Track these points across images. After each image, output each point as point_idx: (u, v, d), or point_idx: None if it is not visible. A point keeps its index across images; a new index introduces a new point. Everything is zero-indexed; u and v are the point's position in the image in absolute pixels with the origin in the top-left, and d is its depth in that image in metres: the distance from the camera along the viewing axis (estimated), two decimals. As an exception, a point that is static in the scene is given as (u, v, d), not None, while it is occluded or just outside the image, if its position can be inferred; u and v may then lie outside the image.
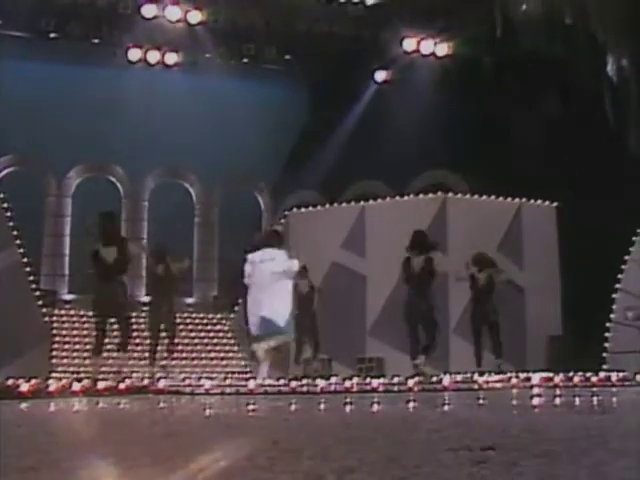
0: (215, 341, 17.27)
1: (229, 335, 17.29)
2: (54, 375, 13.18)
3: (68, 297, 17.58)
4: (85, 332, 15.41)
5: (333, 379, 10.64)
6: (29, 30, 17.14)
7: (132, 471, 2.73)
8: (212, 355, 16.89)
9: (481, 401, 6.65)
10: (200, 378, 12.59)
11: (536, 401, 6.41)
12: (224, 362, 16.78)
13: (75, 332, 15.65)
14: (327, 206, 17.16)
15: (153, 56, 18.43)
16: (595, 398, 6.64)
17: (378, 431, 3.71)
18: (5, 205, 15.10)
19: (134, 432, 4.17)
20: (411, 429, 3.67)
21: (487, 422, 4.10)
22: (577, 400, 6.54)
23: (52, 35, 17.20)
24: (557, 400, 6.58)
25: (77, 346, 15.49)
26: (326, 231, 16.18)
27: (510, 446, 2.88)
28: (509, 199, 16.37)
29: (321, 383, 9.82)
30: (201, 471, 2.70)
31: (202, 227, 19.39)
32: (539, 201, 16.53)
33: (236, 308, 17.00)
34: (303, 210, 17.22)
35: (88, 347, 15.04)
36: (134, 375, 13.12)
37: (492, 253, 15.82)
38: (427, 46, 18.76)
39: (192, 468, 2.72)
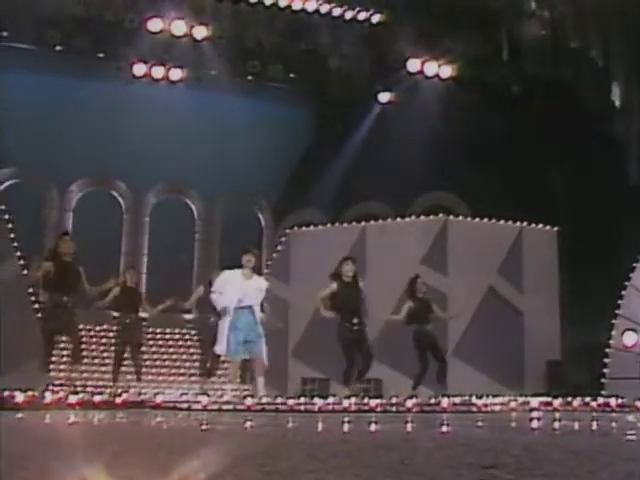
0: (213, 357, 17.16)
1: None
2: (52, 388, 13.11)
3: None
4: (83, 345, 15.38)
5: (331, 399, 10.61)
6: (35, 43, 17.17)
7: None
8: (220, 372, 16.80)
9: (480, 423, 6.61)
10: (197, 394, 12.61)
11: (535, 424, 6.37)
12: (222, 379, 16.69)
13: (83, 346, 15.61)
14: (328, 226, 17.15)
15: (158, 71, 18.46)
16: (595, 422, 6.59)
17: (378, 448, 3.68)
18: (6, 217, 15.09)
19: (129, 444, 4.13)
20: (411, 447, 3.63)
21: (488, 442, 4.07)
22: (576, 424, 6.49)
23: (58, 48, 17.24)
24: (556, 424, 6.53)
25: (85, 360, 15.43)
26: (327, 250, 16.14)
27: (512, 465, 2.85)
28: (510, 222, 16.35)
29: (319, 402, 9.79)
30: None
31: (203, 244, 19.35)
32: (540, 225, 16.51)
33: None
34: (304, 229, 17.21)
35: (86, 360, 15.10)
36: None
37: (492, 276, 15.83)
38: (431, 67, 18.81)
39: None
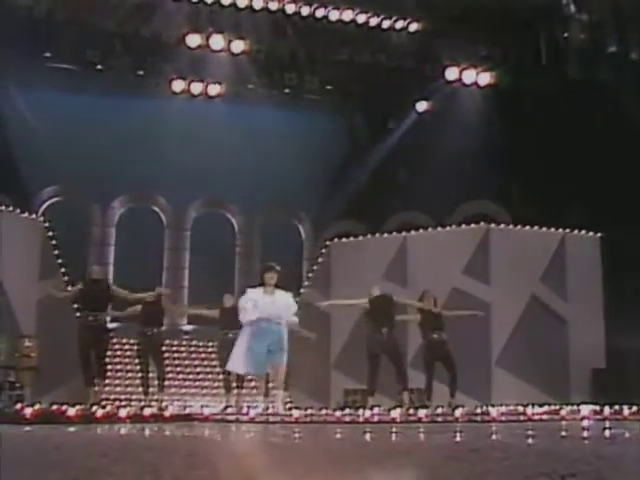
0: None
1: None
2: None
3: (111, 325, 17.63)
4: (127, 359, 15.52)
5: (376, 409, 10.61)
6: (76, 62, 17.38)
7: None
8: (253, 384, 16.85)
9: (533, 432, 6.55)
10: (241, 407, 12.69)
11: (591, 432, 6.30)
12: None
13: (117, 359, 15.71)
14: (369, 236, 17.13)
15: (196, 87, 18.59)
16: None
17: (446, 459, 3.66)
18: (50, 234, 15.30)
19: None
20: (479, 457, 3.61)
21: (556, 451, 4.02)
22: (627, 433, 6.42)
23: (98, 67, 17.41)
24: (610, 432, 6.46)
25: (119, 373, 15.55)
26: (368, 261, 16.14)
27: (591, 475, 2.81)
28: (552, 229, 16.24)
29: (365, 414, 9.79)
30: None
31: (243, 257, 19.45)
32: (583, 231, 16.36)
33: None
34: (345, 240, 17.19)
35: (130, 375, 15.21)
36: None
37: (535, 284, 15.71)
38: (469, 75, 18.74)
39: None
